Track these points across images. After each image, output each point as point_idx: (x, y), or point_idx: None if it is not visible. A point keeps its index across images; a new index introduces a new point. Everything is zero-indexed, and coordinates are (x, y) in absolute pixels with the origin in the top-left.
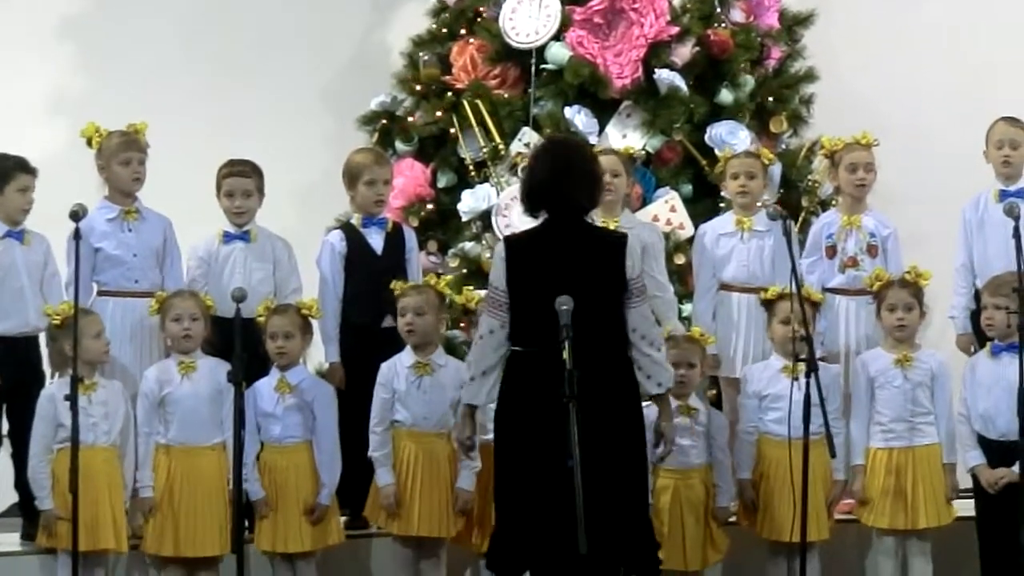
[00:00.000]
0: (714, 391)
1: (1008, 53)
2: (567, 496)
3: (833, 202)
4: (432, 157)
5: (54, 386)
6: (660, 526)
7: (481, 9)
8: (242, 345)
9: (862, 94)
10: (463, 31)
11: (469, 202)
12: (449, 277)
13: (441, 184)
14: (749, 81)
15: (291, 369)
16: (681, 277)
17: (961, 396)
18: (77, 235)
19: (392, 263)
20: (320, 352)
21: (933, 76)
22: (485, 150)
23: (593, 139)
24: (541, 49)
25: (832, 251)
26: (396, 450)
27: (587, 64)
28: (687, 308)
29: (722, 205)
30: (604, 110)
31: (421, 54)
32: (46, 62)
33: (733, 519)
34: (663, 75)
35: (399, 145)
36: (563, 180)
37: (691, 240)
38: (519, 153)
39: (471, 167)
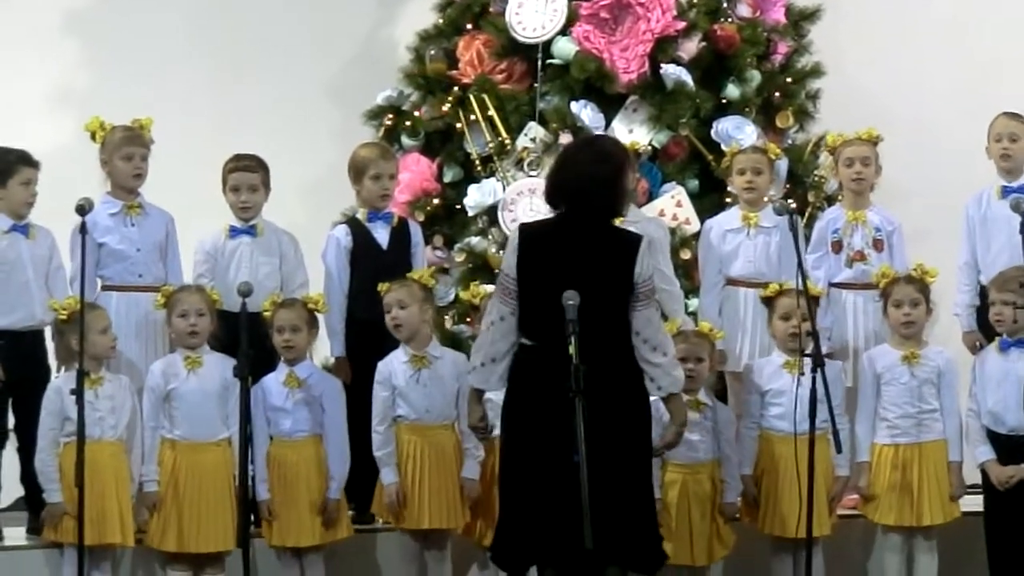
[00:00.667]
0: (721, 386)
1: (1014, 49)
2: (573, 491)
3: (839, 197)
4: (438, 152)
5: (61, 380)
6: (667, 520)
7: (488, 4)
8: (248, 340)
9: (868, 89)
10: (469, 26)
11: (475, 197)
12: (432, 269)
13: (447, 179)
14: (755, 76)
15: (299, 363)
16: (687, 272)
17: (971, 391)
18: (83, 229)
19: (397, 258)
20: (326, 347)
21: (939, 72)
22: (491, 145)
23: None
24: (547, 44)
25: (838, 246)
26: (400, 445)
27: (593, 59)
28: (693, 303)
29: (728, 200)
30: (610, 105)
31: (428, 49)
32: (51, 56)
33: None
34: (669, 70)
35: (405, 140)
36: (594, 186)
37: (697, 235)
38: (525, 148)
39: (477, 162)
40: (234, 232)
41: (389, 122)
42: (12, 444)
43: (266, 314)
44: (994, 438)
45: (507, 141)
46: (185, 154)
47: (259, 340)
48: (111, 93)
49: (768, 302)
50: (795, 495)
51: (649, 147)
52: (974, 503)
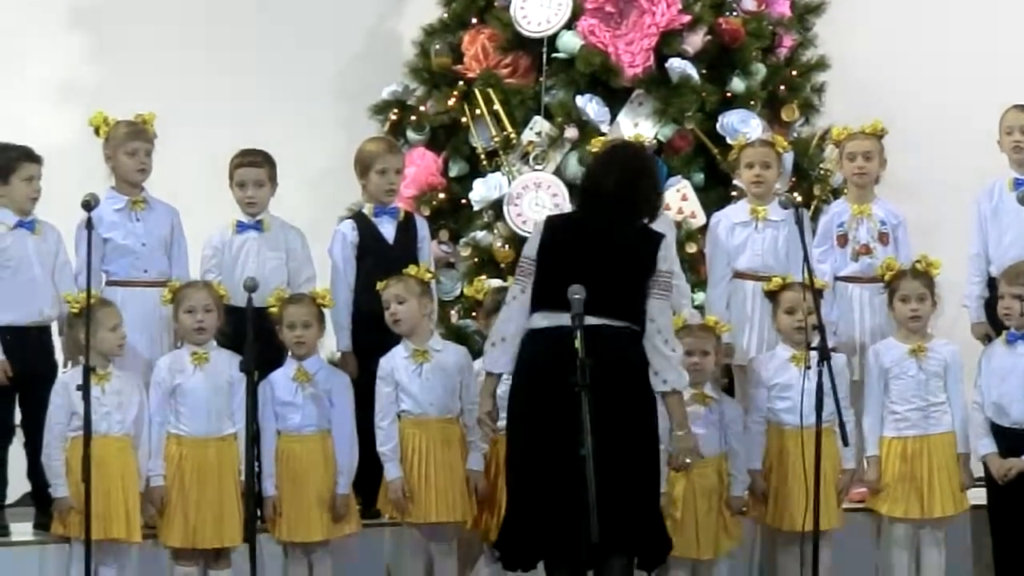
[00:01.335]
0: (726, 380)
1: (1021, 40)
2: (579, 485)
3: (844, 191)
4: (443, 146)
5: (68, 374)
6: (674, 514)
7: None
8: (254, 335)
9: (874, 82)
10: (474, 20)
11: (480, 191)
12: (426, 264)
13: (452, 173)
14: (761, 69)
15: (308, 358)
16: (692, 266)
17: (976, 384)
18: (89, 225)
19: (404, 252)
20: (331, 341)
21: (945, 63)
22: (497, 139)
23: (604, 128)
24: (552, 38)
25: (843, 240)
26: (405, 439)
27: (599, 53)
28: (699, 297)
29: (734, 194)
30: (616, 99)
31: (433, 43)
32: (56, 51)
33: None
34: (675, 64)
35: (410, 134)
36: (626, 194)
37: (703, 229)
38: (531, 142)
39: (483, 156)
40: (241, 227)
41: (394, 117)
42: (19, 439)
43: (272, 310)
44: (998, 431)
45: (512, 135)
46: (190, 149)
47: (265, 335)
48: (116, 88)
49: (772, 296)
50: (803, 489)
51: (654, 141)
52: (981, 496)
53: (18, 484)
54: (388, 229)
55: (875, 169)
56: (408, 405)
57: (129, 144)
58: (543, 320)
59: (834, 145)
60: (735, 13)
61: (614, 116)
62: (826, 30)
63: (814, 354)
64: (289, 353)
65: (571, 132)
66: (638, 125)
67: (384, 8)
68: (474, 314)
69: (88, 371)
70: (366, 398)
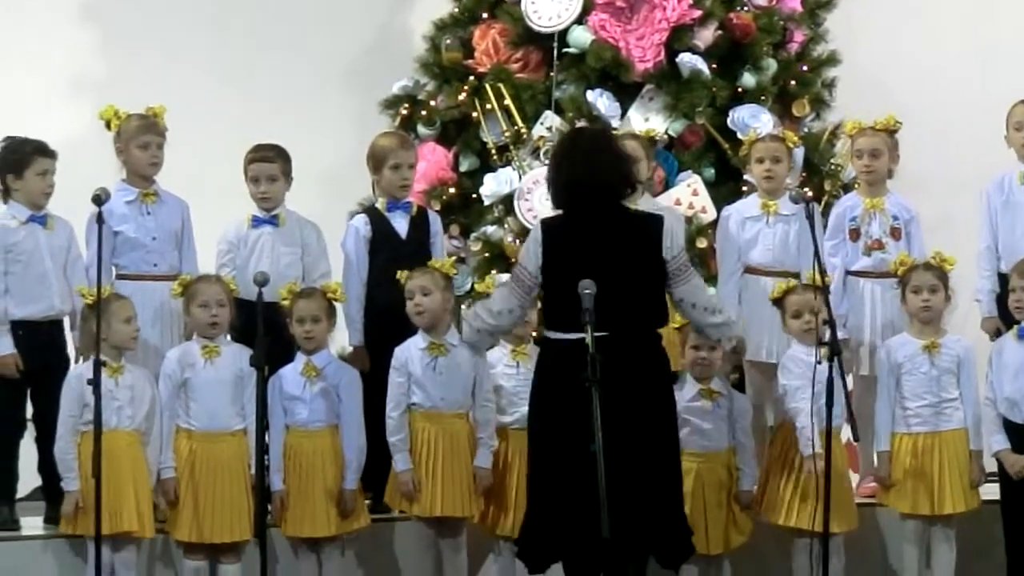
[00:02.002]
0: (736, 375)
1: None
2: (592, 482)
3: (855, 185)
4: (454, 141)
5: (81, 367)
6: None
7: None
8: (264, 329)
9: (885, 77)
10: (485, 15)
11: (491, 186)
12: (452, 259)
13: (463, 168)
14: (772, 64)
15: (317, 353)
16: (703, 261)
17: (987, 380)
18: (100, 219)
19: (416, 247)
20: (343, 335)
21: (956, 58)
22: (507, 134)
23: (615, 123)
24: (563, 33)
25: (855, 234)
26: (414, 433)
27: (609, 48)
28: (711, 291)
29: (744, 189)
30: (626, 94)
31: (444, 38)
32: (69, 46)
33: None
34: (685, 59)
35: (421, 129)
36: (594, 173)
37: (713, 224)
38: (541, 137)
39: (493, 151)
40: (256, 222)
41: (405, 111)
42: (30, 434)
43: (284, 303)
44: (1010, 427)
45: (523, 130)
46: (201, 143)
47: (277, 330)
48: (128, 83)
49: (777, 303)
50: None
51: (665, 136)
52: (992, 492)
53: (29, 479)
54: (401, 224)
55: (883, 166)
56: (419, 398)
57: (141, 137)
58: (560, 335)
59: (849, 138)
60: (746, 8)
61: (625, 111)
62: (837, 25)
63: (824, 351)
64: (299, 348)
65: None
66: (649, 120)
67: (395, 3)
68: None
69: (99, 365)
70: (377, 392)
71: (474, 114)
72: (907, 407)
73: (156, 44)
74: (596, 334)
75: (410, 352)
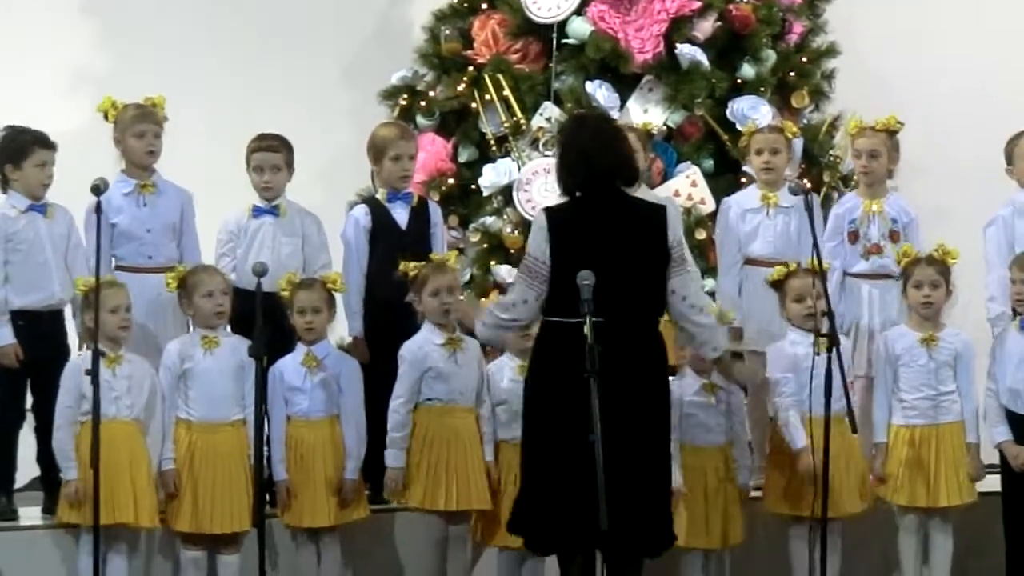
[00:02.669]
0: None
1: None
2: (589, 472)
3: (854, 180)
4: (453, 132)
5: (80, 357)
6: (681, 503)
7: None
8: (263, 319)
9: (884, 69)
10: (485, 5)
11: (490, 177)
12: (456, 253)
13: (462, 159)
14: (771, 56)
15: (317, 344)
16: (702, 252)
17: (989, 371)
18: (98, 209)
19: (417, 238)
20: (341, 326)
21: (956, 50)
22: (506, 125)
23: (614, 114)
24: (563, 23)
25: (854, 236)
26: (427, 427)
27: (609, 39)
28: (709, 283)
29: (743, 180)
30: (625, 85)
31: (443, 29)
32: (69, 37)
33: (758, 492)
34: (685, 50)
35: (420, 120)
36: (599, 159)
37: (712, 215)
38: (540, 128)
39: (492, 142)
40: (257, 212)
41: (404, 102)
42: (29, 424)
43: (283, 294)
44: (1012, 418)
45: (522, 121)
46: (202, 134)
47: (276, 320)
48: (128, 74)
49: (777, 286)
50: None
51: (664, 127)
52: (991, 484)
53: (27, 469)
54: (401, 215)
55: (882, 167)
56: (439, 392)
57: (137, 126)
58: (561, 319)
59: (850, 135)
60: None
61: (624, 102)
62: (836, 16)
63: (823, 340)
64: (299, 338)
65: None
66: (648, 111)
67: None
68: (483, 301)
69: (97, 355)
70: (377, 383)
71: (473, 105)
72: (904, 399)
73: (156, 36)
74: (596, 319)
75: (427, 349)
